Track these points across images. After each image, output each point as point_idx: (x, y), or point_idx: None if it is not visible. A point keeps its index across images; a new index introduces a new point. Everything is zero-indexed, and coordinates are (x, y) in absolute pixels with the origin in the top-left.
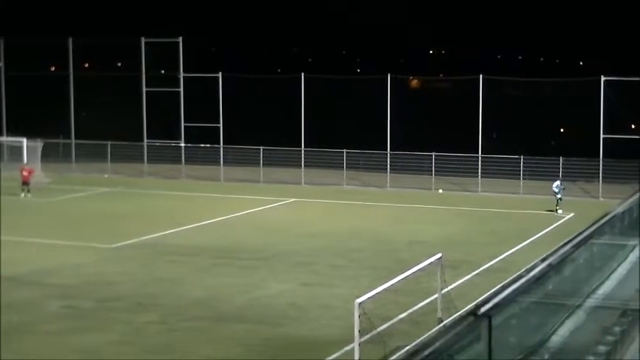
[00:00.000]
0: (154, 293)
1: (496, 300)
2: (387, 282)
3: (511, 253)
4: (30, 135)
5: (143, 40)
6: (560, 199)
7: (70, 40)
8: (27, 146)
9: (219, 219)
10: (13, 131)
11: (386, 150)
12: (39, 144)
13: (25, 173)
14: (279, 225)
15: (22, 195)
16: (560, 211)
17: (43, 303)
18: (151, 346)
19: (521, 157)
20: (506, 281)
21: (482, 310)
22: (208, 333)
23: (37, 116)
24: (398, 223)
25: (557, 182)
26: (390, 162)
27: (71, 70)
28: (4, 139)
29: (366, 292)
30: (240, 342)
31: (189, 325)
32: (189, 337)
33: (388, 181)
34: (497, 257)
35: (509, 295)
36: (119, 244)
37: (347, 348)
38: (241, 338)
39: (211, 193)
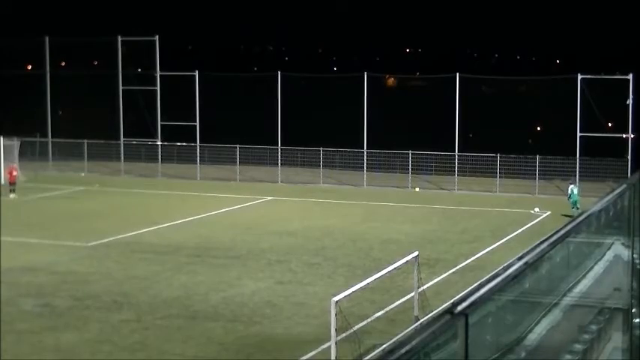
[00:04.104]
0: (129, 292)
1: (473, 298)
2: (362, 280)
3: (487, 252)
4: (6, 133)
5: (119, 38)
6: (570, 200)
7: (47, 39)
8: (3, 145)
9: (195, 217)
10: None
11: (362, 148)
12: (16, 142)
13: (15, 173)
14: (255, 223)
15: (12, 196)
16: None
17: (18, 302)
18: (126, 344)
19: (498, 155)
20: (482, 279)
21: (459, 308)
22: (183, 331)
23: (13, 115)
24: (374, 221)
25: (571, 186)
26: (367, 160)
27: (48, 68)
28: None
29: (342, 291)
30: (216, 340)
31: (164, 323)
32: (164, 335)
33: (364, 179)
34: (473, 255)
35: (485, 293)
36: (95, 243)
37: (323, 346)
38: (216, 336)
39: (187, 191)
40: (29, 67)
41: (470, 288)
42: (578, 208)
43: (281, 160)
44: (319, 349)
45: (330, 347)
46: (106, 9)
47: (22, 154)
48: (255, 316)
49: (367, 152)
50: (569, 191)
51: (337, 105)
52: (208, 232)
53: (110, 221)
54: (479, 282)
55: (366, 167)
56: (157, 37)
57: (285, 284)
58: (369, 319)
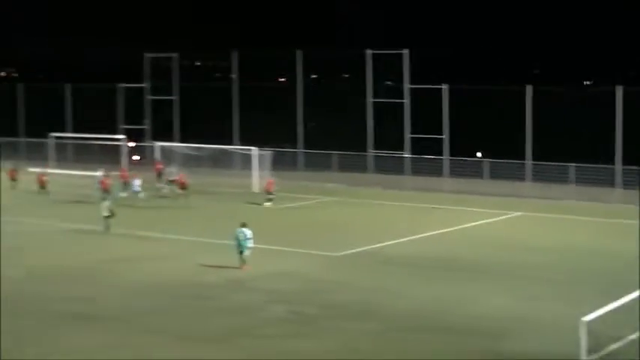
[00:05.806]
0: (373, 302)
1: None
2: (614, 301)
3: None
4: (259, 144)
5: (369, 52)
6: None
7: (300, 52)
8: (257, 155)
9: (441, 231)
10: (243, 140)
11: (614, 164)
12: (269, 153)
13: (272, 187)
14: (501, 239)
15: (267, 204)
16: None
17: (264, 307)
18: (365, 355)
19: None
20: None
21: None
22: (423, 344)
23: (265, 125)
24: (629, 241)
25: None
26: (623, 176)
27: (300, 80)
28: (236, 147)
29: (592, 311)
30: (457, 355)
31: (405, 335)
32: (402, 347)
33: (618, 195)
34: None
35: None
36: (343, 253)
37: None
38: (458, 351)
39: (434, 204)
40: (282, 79)
41: None
42: None
43: (532, 175)
44: None
45: None
46: (356, 23)
47: (274, 163)
48: (500, 331)
49: (624, 169)
50: None
51: (590, 119)
52: (455, 246)
53: (358, 232)
54: None
55: (623, 183)
56: (406, 51)
57: (531, 301)
58: (622, 341)
